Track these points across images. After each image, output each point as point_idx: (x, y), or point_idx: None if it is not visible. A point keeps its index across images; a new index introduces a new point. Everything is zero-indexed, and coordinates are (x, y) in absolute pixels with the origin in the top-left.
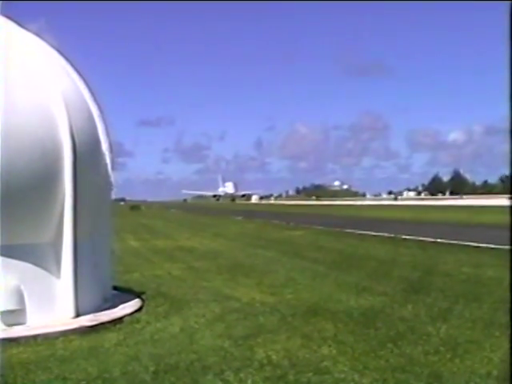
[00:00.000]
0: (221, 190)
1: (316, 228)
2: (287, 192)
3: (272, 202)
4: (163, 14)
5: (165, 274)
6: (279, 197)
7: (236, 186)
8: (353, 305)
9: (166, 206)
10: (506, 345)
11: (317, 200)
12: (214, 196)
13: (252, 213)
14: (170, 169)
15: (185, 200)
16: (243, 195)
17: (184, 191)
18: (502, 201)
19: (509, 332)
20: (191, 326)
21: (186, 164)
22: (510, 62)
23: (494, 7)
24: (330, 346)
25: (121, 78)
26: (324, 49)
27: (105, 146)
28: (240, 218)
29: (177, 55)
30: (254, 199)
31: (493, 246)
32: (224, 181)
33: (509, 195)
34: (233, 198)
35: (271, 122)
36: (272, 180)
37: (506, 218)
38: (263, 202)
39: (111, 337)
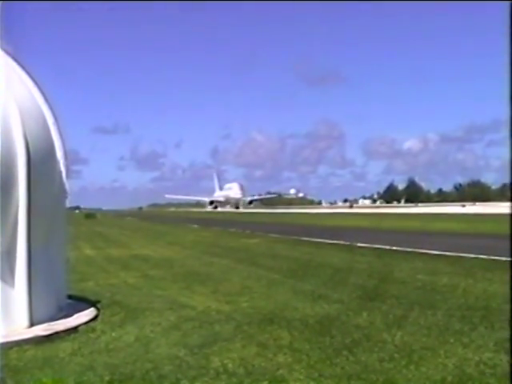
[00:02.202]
0: (218, 195)
1: (272, 236)
2: (244, 200)
3: (227, 209)
4: (118, 18)
5: (120, 282)
6: None
7: (243, 189)
8: (308, 313)
9: (121, 215)
10: (461, 351)
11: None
12: (211, 203)
13: (208, 221)
14: (125, 177)
15: (140, 208)
16: (250, 202)
17: (167, 196)
18: (456, 209)
19: (463, 338)
20: (146, 335)
21: (142, 172)
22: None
23: (450, 14)
24: (285, 353)
25: (76, 84)
26: (280, 57)
27: (59, 154)
28: (196, 226)
29: (133, 62)
30: (210, 207)
31: (448, 253)
32: (221, 182)
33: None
34: (237, 204)
35: (227, 129)
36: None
37: (459, 226)
38: (219, 209)
39: (66, 346)
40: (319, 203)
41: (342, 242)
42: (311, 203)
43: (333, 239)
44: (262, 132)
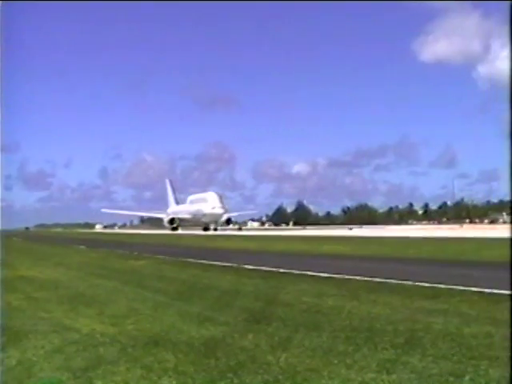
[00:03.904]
0: (179, 211)
1: (159, 257)
2: (131, 221)
3: (116, 230)
4: (10, 34)
5: (3, 304)
6: (124, 226)
7: (223, 202)
8: (194, 335)
9: (6, 235)
10: (344, 372)
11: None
12: (172, 221)
13: (96, 242)
14: (11, 196)
15: (27, 228)
16: (229, 220)
17: (104, 210)
18: (343, 231)
19: (347, 359)
20: (29, 359)
21: (29, 191)
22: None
23: (336, 39)
24: (170, 376)
25: None
26: (172, 79)
27: None
28: (83, 247)
29: (22, 79)
30: (98, 228)
31: (334, 275)
32: (176, 191)
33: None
34: (209, 224)
35: (117, 150)
36: (117, 209)
37: (346, 249)
38: (107, 230)
39: None
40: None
41: (229, 264)
42: (198, 225)
43: (221, 261)
44: (152, 153)
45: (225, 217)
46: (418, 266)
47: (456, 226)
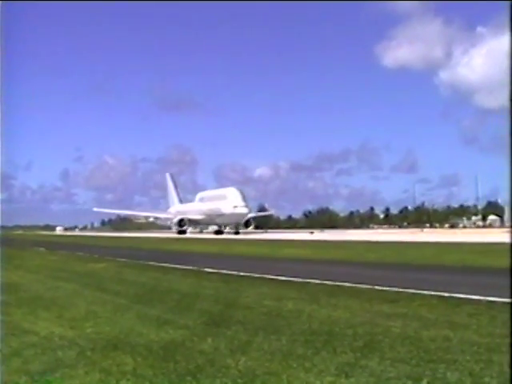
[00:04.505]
0: (188, 210)
1: (120, 260)
2: (92, 224)
3: (77, 233)
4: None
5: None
6: (84, 228)
7: (246, 200)
8: (153, 338)
9: None
10: (303, 375)
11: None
12: (181, 223)
13: (56, 244)
14: None
15: None
16: (247, 222)
17: (96, 209)
18: (304, 235)
19: (306, 363)
20: None
21: None
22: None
23: (300, 45)
24: (128, 380)
25: None
26: (134, 81)
27: None
28: (43, 249)
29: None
30: (59, 230)
31: (294, 279)
32: (177, 186)
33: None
34: (220, 226)
35: (79, 152)
36: (78, 211)
37: (307, 252)
38: (68, 233)
39: None
40: (169, 228)
41: (189, 268)
42: (161, 228)
43: (181, 264)
44: (113, 155)
45: (246, 218)
46: (378, 270)
47: (417, 231)
